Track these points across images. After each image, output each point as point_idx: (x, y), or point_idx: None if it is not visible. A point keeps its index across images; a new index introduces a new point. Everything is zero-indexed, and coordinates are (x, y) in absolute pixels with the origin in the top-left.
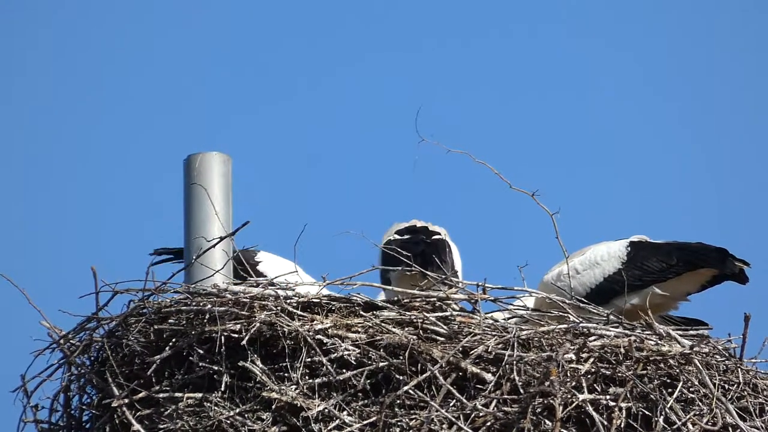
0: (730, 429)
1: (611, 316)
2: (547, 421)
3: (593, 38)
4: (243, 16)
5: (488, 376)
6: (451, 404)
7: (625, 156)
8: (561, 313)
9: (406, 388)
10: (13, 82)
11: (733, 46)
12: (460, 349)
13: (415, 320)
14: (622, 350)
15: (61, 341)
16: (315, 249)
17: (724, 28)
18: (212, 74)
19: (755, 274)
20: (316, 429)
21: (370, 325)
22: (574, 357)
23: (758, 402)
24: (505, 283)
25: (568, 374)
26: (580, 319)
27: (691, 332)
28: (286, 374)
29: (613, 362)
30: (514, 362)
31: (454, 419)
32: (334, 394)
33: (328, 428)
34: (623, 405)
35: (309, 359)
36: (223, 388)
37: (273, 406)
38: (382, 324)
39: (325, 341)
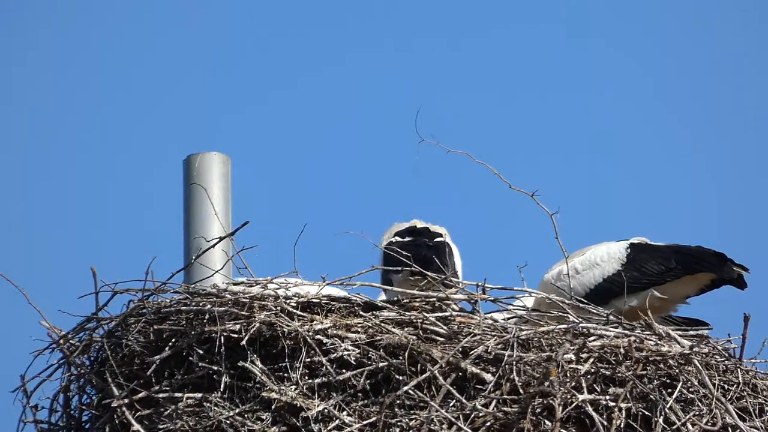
0: (729, 429)
1: (611, 317)
2: (547, 422)
3: (593, 38)
4: (243, 15)
5: (488, 377)
6: (451, 404)
7: (624, 156)
8: (561, 314)
9: (405, 388)
10: (13, 82)
11: (733, 47)
12: (460, 349)
13: (414, 320)
14: (621, 350)
15: (61, 341)
16: (315, 249)
17: (724, 28)
18: (212, 74)
19: (755, 274)
20: (315, 429)
21: (370, 325)
22: (573, 357)
23: (758, 402)
24: (505, 283)
25: (568, 374)
26: (580, 320)
27: (691, 332)
28: (285, 374)
29: (613, 362)
30: (514, 362)
31: (453, 419)
32: (334, 395)
33: (328, 428)
34: (623, 405)
35: (309, 359)
36: (222, 389)
37: (273, 407)
38: (382, 324)
39: (324, 341)
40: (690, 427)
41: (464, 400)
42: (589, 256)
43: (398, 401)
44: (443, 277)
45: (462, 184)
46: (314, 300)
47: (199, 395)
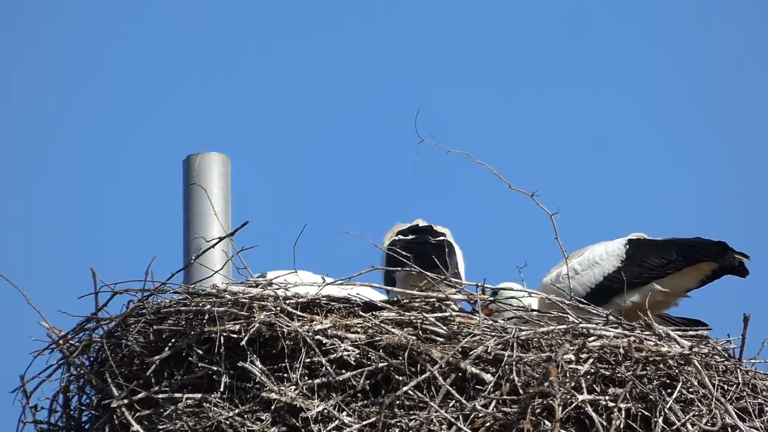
0: (729, 429)
1: (610, 317)
2: (547, 422)
3: (593, 38)
4: (243, 15)
5: (487, 377)
6: (451, 405)
7: (624, 156)
8: (560, 314)
9: (405, 388)
10: (13, 82)
11: (733, 46)
12: (460, 349)
13: (414, 321)
14: (621, 351)
15: (61, 342)
16: (314, 249)
17: (724, 28)
18: (212, 74)
19: (754, 275)
20: (315, 429)
21: (370, 325)
22: (573, 357)
23: (757, 402)
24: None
25: (568, 375)
26: (580, 320)
27: (691, 333)
28: (285, 375)
29: (613, 363)
30: (514, 363)
31: (453, 420)
32: (334, 395)
33: (328, 429)
34: (622, 405)
35: (308, 360)
36: (222, 389)
37: (272, 407)
38: (382, 324)
39: (324, 342)
40: (689, 427)
41: (464, 401)
42: (587, 255)
43: (398, 402)
44: (443, 277)
45: (462, 184)
46: (314, 300)
47: (199, 396)
